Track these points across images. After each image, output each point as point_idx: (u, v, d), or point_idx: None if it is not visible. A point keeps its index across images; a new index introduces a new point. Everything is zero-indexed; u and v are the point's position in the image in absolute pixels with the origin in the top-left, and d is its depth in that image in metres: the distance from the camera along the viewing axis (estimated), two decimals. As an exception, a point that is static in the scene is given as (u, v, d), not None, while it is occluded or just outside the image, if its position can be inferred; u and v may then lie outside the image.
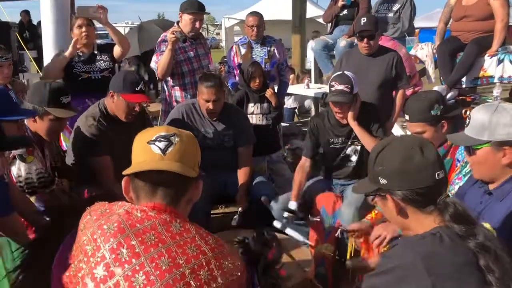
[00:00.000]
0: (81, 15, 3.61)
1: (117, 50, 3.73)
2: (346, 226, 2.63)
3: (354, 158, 3.09)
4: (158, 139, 1.30)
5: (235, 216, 3.02)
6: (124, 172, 1.30)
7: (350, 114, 2.95)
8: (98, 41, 3.98)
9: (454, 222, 1.27)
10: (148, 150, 1.29)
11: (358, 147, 3.05)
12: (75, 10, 3.68)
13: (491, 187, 1.77)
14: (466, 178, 2.09)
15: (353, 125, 2.96)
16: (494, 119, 1.71)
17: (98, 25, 3.88)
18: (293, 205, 2.96)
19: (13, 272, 1.44)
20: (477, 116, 1.77)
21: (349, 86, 2.88)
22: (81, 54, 3.66)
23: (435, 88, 4.44)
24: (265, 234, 1.45)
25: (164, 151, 1.28)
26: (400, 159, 1.34)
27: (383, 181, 1.37)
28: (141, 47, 9.22)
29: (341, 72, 3.03)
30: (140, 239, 1.19)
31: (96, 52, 3.71)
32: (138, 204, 1.29)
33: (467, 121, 1.82)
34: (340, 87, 2.88)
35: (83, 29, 3.59)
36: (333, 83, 2.93)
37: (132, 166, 1.31)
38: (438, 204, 1.32)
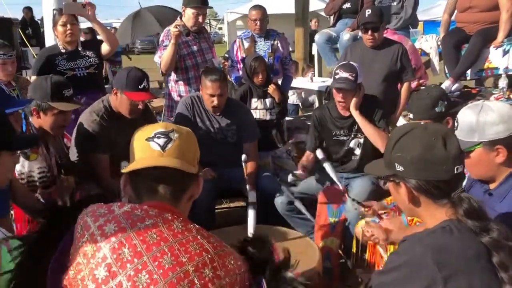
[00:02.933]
0: (68, 11, 3.52)
1: (105, 48, 3.69)
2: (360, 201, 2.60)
3: (358, 152, 3.08)
4: (156, 136, 1.28)
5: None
6: (123, 170, 1.28)
7: (353, 102, 2.95)
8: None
9: (468, 217, 1.24)
10: (147, 147, 1.27)
11: (361, 140, 3.05)
12: (62, 6, 3.58)
13: (491, 186, 1.76)
14: (467, 175, 2.08)
15: (355, 114, 2.96)
16: (481, 119, 1.70)
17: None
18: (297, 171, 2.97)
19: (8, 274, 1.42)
20: (464, 118, 1.76)
21: (354, 75, 2.89)
22: (64, 51, 3.61)
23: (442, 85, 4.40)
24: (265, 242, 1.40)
25: (163, 147, 1.26)
26: (421, 149, 1.28)
27: (399, 167, 1.32)
28: (132, 35, 9.07)
29: (346, 61, 3.04)
30: (141, 238, 1.17)
31: (80, 48, 3.66)
32: (139, 203, 1.27)
33: (455, 124, 1.81)
34: (345, 74, 2.90)
35: (68, 26, 3.54)
36: (337, 71, 2.94)
37: (131, 164, 1.29)
38: (452, 198, 1.28)
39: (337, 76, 2.93)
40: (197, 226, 1.26)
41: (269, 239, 1.36)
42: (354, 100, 2.94)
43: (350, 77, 2.88)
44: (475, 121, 1.71)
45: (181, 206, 1.30)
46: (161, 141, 1.27)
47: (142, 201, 1.27)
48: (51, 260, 1.28)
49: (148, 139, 1.28)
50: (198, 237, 1.21)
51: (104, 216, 1.22)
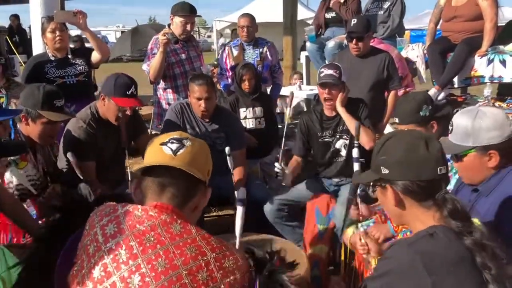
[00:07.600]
0: (59, 20, 3.51)
1: (95, 56, 3.68)
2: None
3: (343, 153, 3.12)
4: (170, 141, 1.33)
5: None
6: (133, 169, 1.33)
7: (338, 99, 3.01)
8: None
9: (452, 217, 1.28)
10: (159, 151, 1.32)
11: (347, 141, 3.09)
12: (53, 14, 3.56)
13: (477, 184, 1.81)
14: (456, 176, 2.11)
15: (341, 110, 3.02)
16: (476, 124, 1.75)
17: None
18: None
19: (15, 268, 1.44)
20: (459, 122, 1.81)
21: (338, 72, 2.99)
22: (53, 58, 3.59)
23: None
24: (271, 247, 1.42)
25: (175, 152, 1.31)
26: (404, 149, 1.33)
27: (384, 170, 1.36)
28: (132, 48, 9.30)
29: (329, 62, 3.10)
30: (138, 240, 1.20)
31: (69, 56, 3.64)
32: (144, 204, 1.30)
33: (450, 128, 1.85)
34: (329, 71, 2.99)
35: (57, 33, 3.52)
36: (322, 69, 3.04)
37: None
38: (436, 199, 1.32)
39: (322, 74, 3.01)
40: (197, 227, 1.28)
41: (279, 250, 1.39)
42: (339, 97, 3.01)
43: (334, 74, 2.97)
44: (471, 126, 1.75)
45: (184, 213, 1.32)
46: (174, 146, 1.32)
47: (147, 203, 1.30)
48: (60, 255, 1.31)
49: (162, 144, 1.33)
50: (197, 238, 1.23)
51: (108, 215, 1.26)
